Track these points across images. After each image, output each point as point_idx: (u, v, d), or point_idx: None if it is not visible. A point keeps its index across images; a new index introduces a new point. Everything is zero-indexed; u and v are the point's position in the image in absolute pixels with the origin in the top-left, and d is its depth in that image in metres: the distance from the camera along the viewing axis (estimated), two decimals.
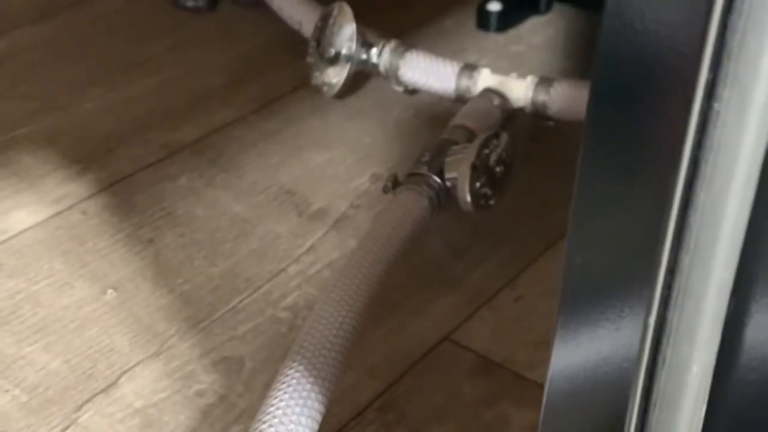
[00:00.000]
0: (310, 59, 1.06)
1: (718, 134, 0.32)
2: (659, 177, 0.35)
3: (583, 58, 1.17)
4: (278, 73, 1.12)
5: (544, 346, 0.80)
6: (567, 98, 0.97)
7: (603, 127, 0.36)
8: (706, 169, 0.33)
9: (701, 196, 0.33)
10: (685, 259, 0.34)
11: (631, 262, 0.38)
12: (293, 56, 1.12)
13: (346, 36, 1.04)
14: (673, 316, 0.36)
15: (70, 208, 0.92)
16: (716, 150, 0.32)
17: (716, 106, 0.32)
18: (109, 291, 0.83)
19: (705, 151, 0.33)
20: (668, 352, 0.36)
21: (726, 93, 0.32)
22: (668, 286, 0.35)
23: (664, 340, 0.36)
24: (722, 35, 0.31)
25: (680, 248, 0.34)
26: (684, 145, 0.33)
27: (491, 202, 0.87)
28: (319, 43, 1.05)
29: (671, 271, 0.35)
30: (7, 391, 0.74)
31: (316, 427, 0.63)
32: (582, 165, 0.38)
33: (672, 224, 0.34)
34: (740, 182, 0.33)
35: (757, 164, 0.33)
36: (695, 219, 0.34)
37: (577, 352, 0.43)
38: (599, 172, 0.38)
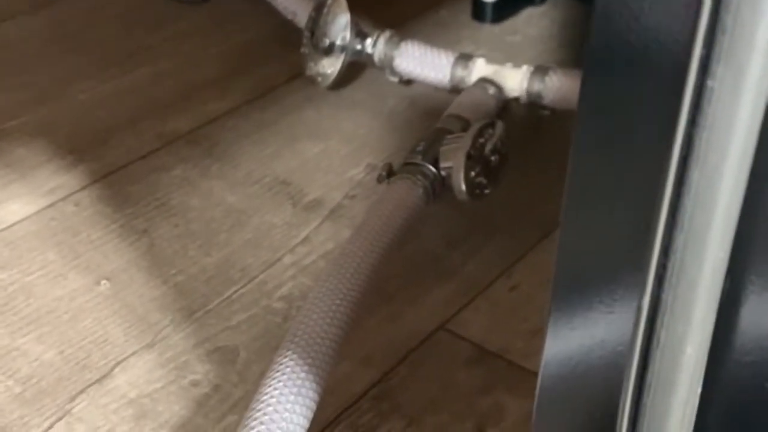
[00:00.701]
0: (304, 50, 1.06)
1: (712, 112, 0.32)
2: (653, 156, 0.34)
3: (579, 49, 1.16)
4: (273, 64, 1.12)
5: (540, 336, 0.80)
6: (562, 87, 0.97)
7: (596, 104, 0.36)
8: (700, 147, 0.33)
9: (695, 175, 0.33)
10: (680, 239, 0.34)
11: (625, 243, 0.38)
12: (288, 47, 1.11)
13: (340, 26, 1.04)
14: (667, 296, 0.35)
15: (63, 199, 0.92)
16: (710, 128, 0.32)
17: (710, 82, 0.32)
18: (103, 282, 0.83)
19: (699, 129, 0.32)
20: (662, 333, 0.36)
21: (720, 69, 0.31)
22: (662, 267, 0.35)
23: (659, 322, 0.36)
24: (716, 10, 0.30)
25: (674, 228, 0.34)
26: (677, 122, 0.33)
27: (486, 191, 0.86)
28: (313, 33, 1.04)
29: (665, 251, 0.35)
30: (0, 382, 0.74)
31: (310, 415, 0.63)
32: (575, 144, 0.37)
33: (666, 204, 0.34)
34: (735, 160, 0.32)
35: (752, 142, 0.32)
36: (689, 198, 0.33)
37: (571, 336, 0.42)
38: (592, 152, 0.37)
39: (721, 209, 0.33)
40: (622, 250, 0.38)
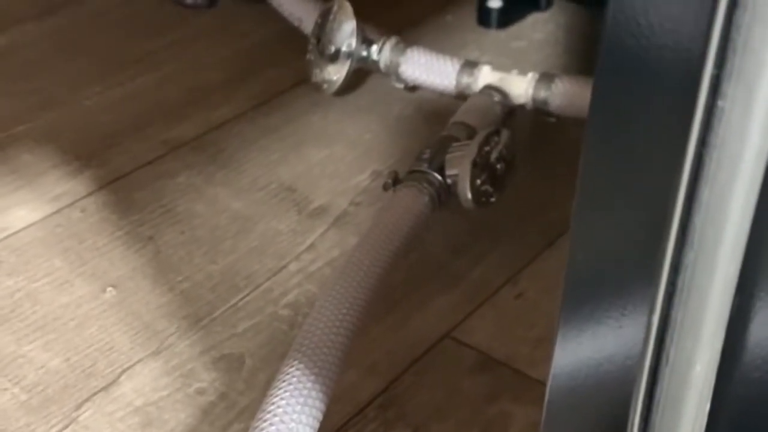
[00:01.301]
0: (310, 56, 1.06)
1: (722, 131, 0.32)
2: (663, 174, 0.34)
3: (584, 55, 1.16)
4: (278, 70, 1.12)
5: (545, 344, 0.80)
6: (568, 95, 0.97)
7: (606, 123, 0.36)
8: (711, 167, 0.33)
9: (705, 193, 0.33)
10: (689, 256, 0.34)
11: (635, 260, 0.38)
12: (293, 53, 1.11)
13: (346, 33, 1.04)
14: (676, 313, 0.35)
15: (69, 205, 0.92)
16: (720, 147, 0.32)
17: (721, 103, 0.32)
18: (109, 289, 0.83)
19: (709, 149, 0.32)
20: (672, 350, 0.36)
21: (731, 89, 0.31)
22: (672, 284, 0.35)
23: (668, 338, 0.36)
24: (727, 30, 0.30)
25: (684, 245, 0.34)
26: (688, 142, 0.33)
27: (492, 199, 0.86)
28: (319, 40, 1.04)
29: (675, 268, 0.35)
30: (6, 389, 0.74)
31: (316, 425, 0.63)
32: (585, 161, 0.37)
33: (676, 221, 0.34)
34: (745, 179, 0.32)
35: (762, 161, 0.32)
36: (699, 216, 0.33)
37: (580, 350, 0.42)
38: (602, 169, 0.37)
39: (731, 227, 0.33)
40: (632, 265, 0.38)
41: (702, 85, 0.32)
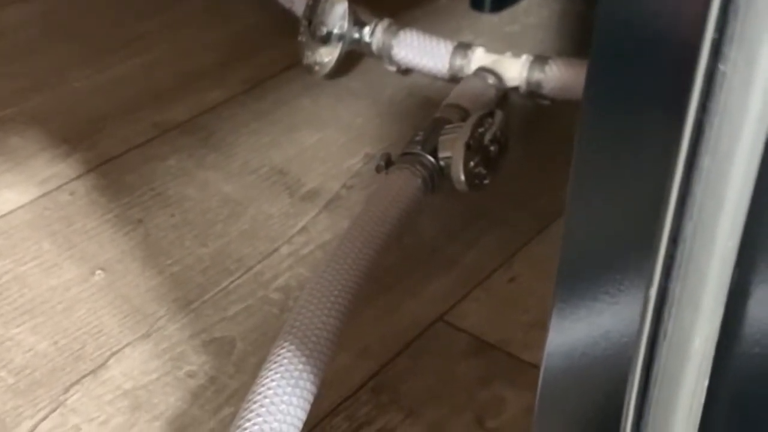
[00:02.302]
0: (301, 38, 1.05)
1: (723, 97, 0.31)
2: (662, 142, 0.33)
3: (579, 39, 1.16)
4: (269, 53, 1.11)
5: (539, 327, 0.80)
6: (562, 77, 0.96)
7: (603, 90, 0.35)
8: (711, 134, 0.32)
9: (706, 162, 0.32)
10: (689, 228, 0.33)
11: (632, 232, 0.37)
12: (285, 36, 1.10)
13: (338, 14, 1.03)
14: (675, 287, 0.34)
15: (58, 188, 0.91)
16: (722, 114, 0.31)
17: (722, 67, 0.31)
18: (98, 272, 0.82)
19: (710, 115, 0.31)
20: (670, 324, 0.35)
21: (732, 53, 0.30)
22: (670, 256, 0.34)
23: (666, 313, 0.35)
24: None
25: (683, 216, 0.33)
26: (688, 108, 0.32)
27: (486, 181, 0.85)
28: (310, 21, 1.03)
29: (674, 241, 0.34)
30: None
31: (307, 407, 0.62)
32: (581, 130, 0.37)
33: (675, 191, 0.33)
34: (746, 147, 0.32)
35: (764, 128, 0.31)
36: (699, 186, 0.33)
37: (575, 328, 0.42)
38: (599, 138, 0.36)
39: (731, 197, 0.32)
40: (629, 239, 0.38)
41: (702, 50, 0.31)
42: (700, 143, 0.32)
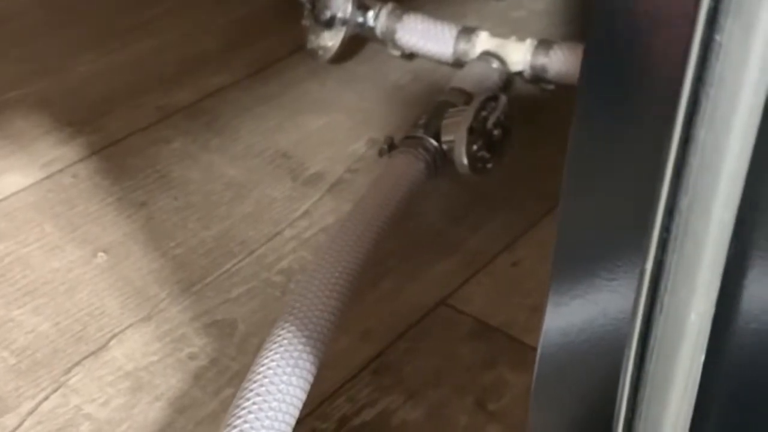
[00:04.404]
0: (305, 22, 1.04)
1: (719, 67, 0.31)
2: (657, 114, 0.33)
3: (583, 24, 1.15)
4: (274, 37, 1.11)
5: (542, 311, 0.79)
6: (567, 61, 0.96)
7: (599, 62, 0.35)
8: (707, 105, 0.31)
9: (701, 134, 0.32)
10: (684, 201, 0.33)
11: (628, 207, 0.37)
12: (289, 20, 1.10)
13: None
14: (671, 260, 0.34)
15: (61, 171, 0.91)
16: (718, 84, 0.31)
17: (718, 37, 0.30)
18: (100, 254, 0.82)
19: (706, 86, 0.31)
20: (666, 298, 0.35)
21: (728, 23, 0.30)
22: (666, 229, 0.34)
23: (662, 286, 0.35)
24: None
25: (679, 189, 0.33)
26: (683, 79, 0.32)
27: (489, 165, 0.85)
28: (314, 5, 1.03)
29: (670, 213, 0.34)
30: None
31: (307, 388, 0.62)
32: (578, 106, 0.36)
33: (671, 164, 0.33)
34: (743, 118, 0.31)
35: (761, 99, 0.31)
36: (695, 158, 0.32)
37: (573, 304, 0.41)
38: (595, 111, 0.36)
39: (728, 169, 0.32)
40: (625, 214, 0.37)
41: (698, 19, 0.30)
42: (695, 115, 0.32)
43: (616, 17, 0.35)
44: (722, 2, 0.30)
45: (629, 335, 0.37)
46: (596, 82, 0.37)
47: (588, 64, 0.37)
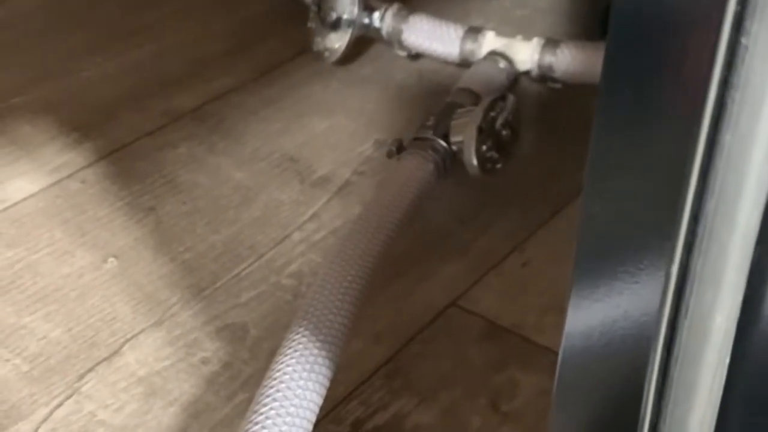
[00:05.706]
0: (311, 24, 1.04)
1: (745, 71, 0.31)
2: (683, 118, 0.33)
3: (589, 24, 1.15)
4: (279, 40, 1.11)
5: (553, 311, 0.79)
6: (574, 60, 0.96)
7: (622, 66, 0.35)
8: (733, 109, 0.31)
9: (727, 138, 0.32)
10: (710, 204, 0.33)
11: (652, 209, 0.37)
12: (294, 22, 1.10)
13: (347, 0, 1.02)
14: (696, 263, 0.34)
15: (69, 176, 0.91)
16: (744, 88, 0.31)
17: (744, 40, 0.30)
18: (110, 259, 0.82)
19: (732, 90, 0.31)
20: (691, 301, 0.35)
21: (755, 27, 0.30)
22: (692, 233, 0.34)
23: (687, 290, 0.35)
24: None
25: (705, 193, 0.33)
26: (709, 83, 0.32)
27: (498, 165, 0.85)
28: (320, 7, 1.03)
29: (695, 217, 0.34)
30: (7, 360, 0.73)
31: (323, 392, 0.62)
32: (600, 108, 0.36)
33: (696, 168, 0.33)
34: None
35: None
36: (721, 162, 0.32)
37: (595, 307, 0.41)
38: (618, 115, 0.36)
39: (753, 173, 0.32)
40: (649, 216, 0.37)
41: (724, 23, 0.30)
42: (721, 119, 0.32)
43: (638, 19, 0.34)
44: (748, 6, 0.30)
45: (654, 338, 0.37)
46: (618, 83, 0.37)
47: (610, 64, 0.37)
